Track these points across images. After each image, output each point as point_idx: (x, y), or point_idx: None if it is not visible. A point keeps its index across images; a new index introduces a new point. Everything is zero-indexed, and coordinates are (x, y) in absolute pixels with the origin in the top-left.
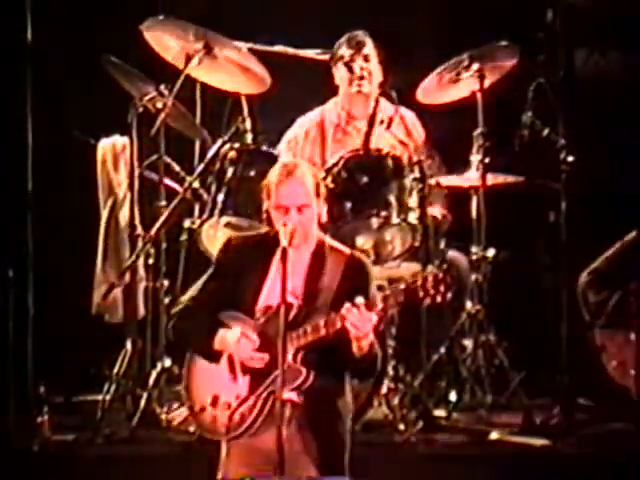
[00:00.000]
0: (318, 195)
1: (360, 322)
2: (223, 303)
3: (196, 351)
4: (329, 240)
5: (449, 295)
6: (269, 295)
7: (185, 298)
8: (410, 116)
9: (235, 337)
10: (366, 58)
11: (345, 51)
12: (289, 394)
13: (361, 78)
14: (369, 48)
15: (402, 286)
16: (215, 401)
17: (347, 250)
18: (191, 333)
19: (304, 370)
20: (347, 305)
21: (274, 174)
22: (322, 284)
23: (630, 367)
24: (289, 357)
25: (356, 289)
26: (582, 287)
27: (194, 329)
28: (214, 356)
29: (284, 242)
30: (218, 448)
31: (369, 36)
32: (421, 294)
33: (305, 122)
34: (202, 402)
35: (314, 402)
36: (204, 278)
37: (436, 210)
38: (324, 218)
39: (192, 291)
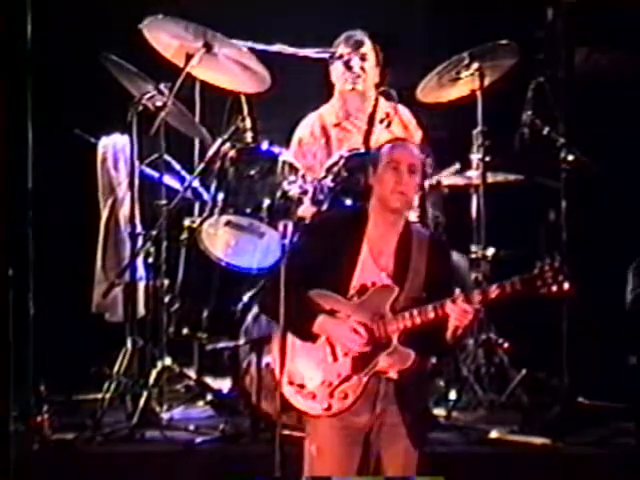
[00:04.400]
0: (424, 172)
1: (458, 314)
2: (315, 278)
3: (292, 331)
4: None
5: (566, 285)
6: (362, 273)
7: (276, 274)
8: (406, 112)
9: (344, 331)
10: (363, 57)
11: (343, 49)
12: (389, 373)
13: (357, 77)
14: (367, 48)
15: (518, 278)
16: (313, 379)
17: (426, 231)
18: (286, 312)
19: (412, 353)
20: (454, 297)
21: (385, 146)
22: (411, 265)
23: None
24: (394, 339)
25: (442, 270)
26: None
27: (289, 308)
28: (312, 336)
29: (395, 204)
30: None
31: (367, 36)
32: (539, 283)
33: (307, 124)
34: (299, 379)
35: (408, 380)
36: (296, 253)
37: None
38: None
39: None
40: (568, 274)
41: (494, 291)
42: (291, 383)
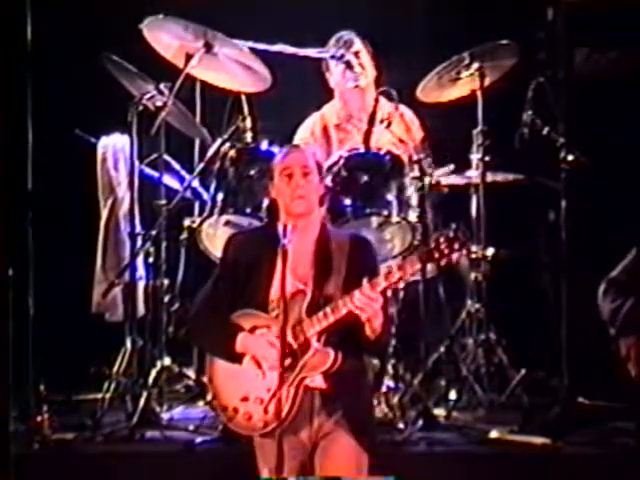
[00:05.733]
0: (321, 175)
1: (365, 304)
2: (236, 301)
3: (216, 354)
4: (330, 227)
5: (464, 251)
6: (280, 285)
7: (197, 301)
8: (409, 113)
9: (261, 345)
10: (357, 54)
11: (337, 52)
12: (317, 382)
13: (358, 76)
14: (357, 45)
15: (415, 254)
16: (246, 400)
17: (346, 232)
18: (208, 337)
19: (332, 352)
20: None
21: (278, 155)
22: (330, 269)
23: None
24: (313, 342)
25: (364, 269)
26: (599, 296)
27: (211, 333)
28: (236, 357)
29: (298, 210)
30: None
31: (355, 34)
32: (436, 255)
33: (309, 125)
34: (232, 403)
35: (340, 385)
36: (212, 280)
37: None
38: (325, 204)
39: (202, 294)
40: (463, 239)
41: (395, 273)
42: (225, 409)
